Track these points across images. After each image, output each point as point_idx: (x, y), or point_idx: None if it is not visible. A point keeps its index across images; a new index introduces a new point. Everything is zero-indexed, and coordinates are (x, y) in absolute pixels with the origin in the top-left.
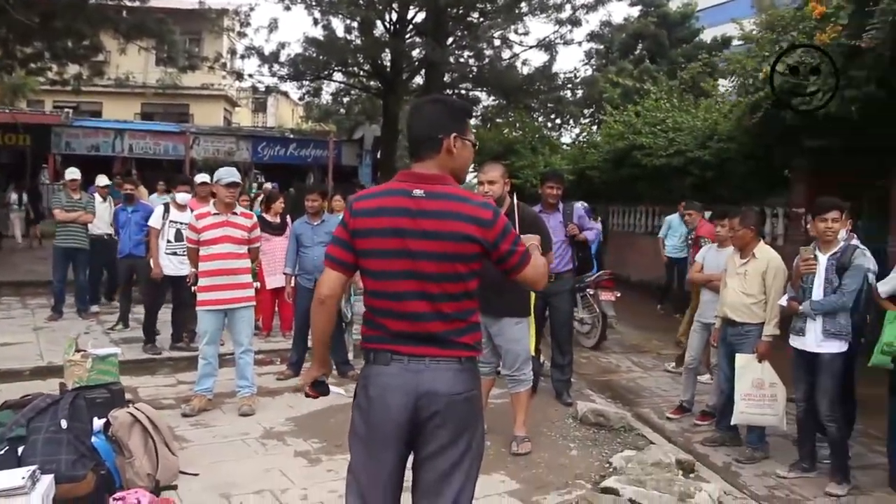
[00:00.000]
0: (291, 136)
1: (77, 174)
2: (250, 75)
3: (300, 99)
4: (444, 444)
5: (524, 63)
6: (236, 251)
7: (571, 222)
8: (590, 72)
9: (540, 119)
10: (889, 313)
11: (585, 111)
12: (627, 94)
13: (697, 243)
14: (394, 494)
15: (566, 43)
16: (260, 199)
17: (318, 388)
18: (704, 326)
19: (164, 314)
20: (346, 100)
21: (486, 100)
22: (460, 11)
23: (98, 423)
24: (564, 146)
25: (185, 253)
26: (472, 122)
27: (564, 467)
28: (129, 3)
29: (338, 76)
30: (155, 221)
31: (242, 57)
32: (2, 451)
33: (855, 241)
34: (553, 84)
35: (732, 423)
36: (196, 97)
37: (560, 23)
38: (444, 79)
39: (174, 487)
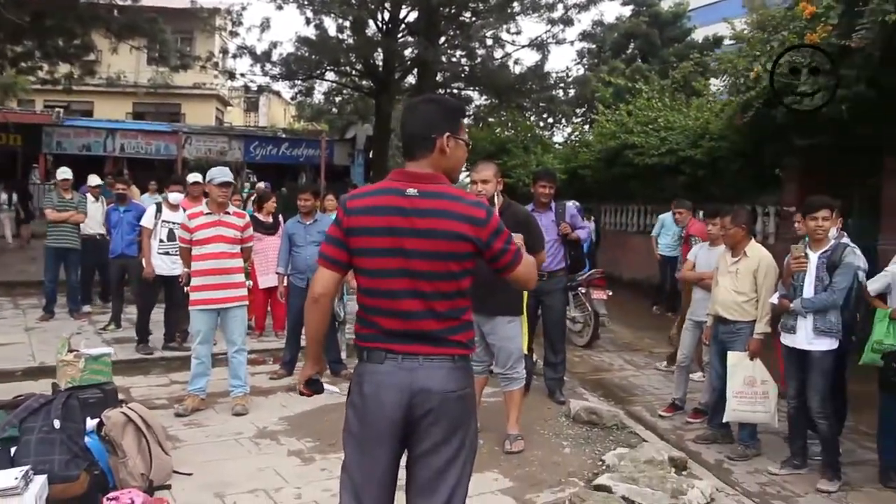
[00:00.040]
0: (283, 135)
1: (69, 174)
2: (242, 75)
3: (292, 98)
4: (438, 442)
5: (516, 62)
6: (229, 251)
7: (563, 221)
8: (582, 71)
9: (532, 118)
10: (879, 311)
11: (577, 110)
12: (619, 94)
13: (688, 242)
14: (388, 492)
15: (558, 42)
16: (252, 198)
17: (313, 387)
18: (696, 325)
19: (157, 314)
20: (338, 99)
21: (478, 99)
22: (452, 11)
23: (91, 423)
24: (556, 145)
25: (178, 253)
26: (465, 121)
27: (557, 465)
28: (120, 2)
29: (330, 75)
30: (147, 221)
31: (234, 56)
32: None
33: (845, 240)
34: (545, 83)
35: (724, 420)
36: (188, 97)
37: (552, 22)
38: (437, 78)
39: (168, 487)
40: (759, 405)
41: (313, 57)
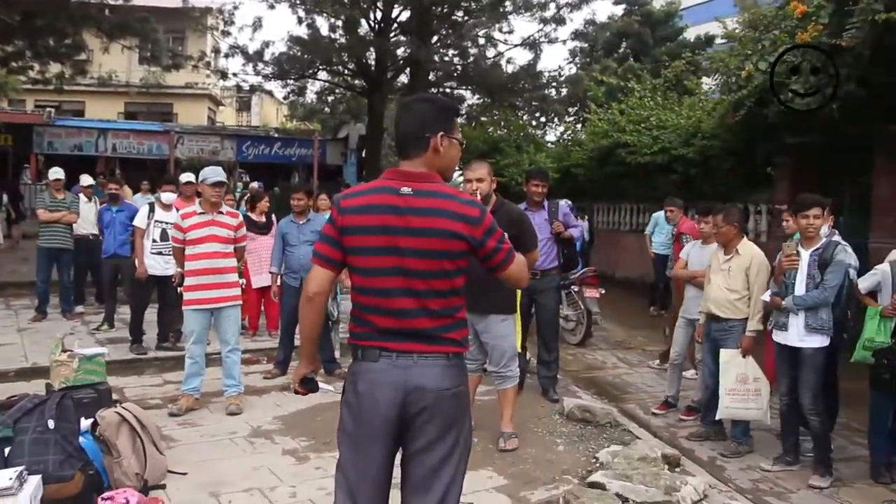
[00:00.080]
0: (276, 135)
1: (61, 174)
2: (234, 74)
3: (285, 98)
4: (433, 440)
5: (509, 62)
6: (222, 250)
7: (556, 220)
8: (574, 70)
9: (525, 117)
10: (870, 309)
11: (570, 109)
12: (612, 93)
13: (679, 240)
14: (383, 490)
15: (550, 41)
16: (246, 198)
17: (307, 385)
18: (689, 322)
19: (150, 314)
20: (330, 99)
21: (470, 98)
22: (445, 10)
23: (85, 423)
24: (549, 144)
25: (171, 252)
26: (458, 120)
27: (551, 463)
28: (111, 2)
29: (322, 75)
30: (140, 221)
31: (226, 56)
32: None
33: (836, 238)
34: (538, 82)
35: (717, 417)
36: (180, 96)
37: (544, 21)
38: (429, 77)
39: (162, 487)
40: (752, 402)
41: (305, 56)
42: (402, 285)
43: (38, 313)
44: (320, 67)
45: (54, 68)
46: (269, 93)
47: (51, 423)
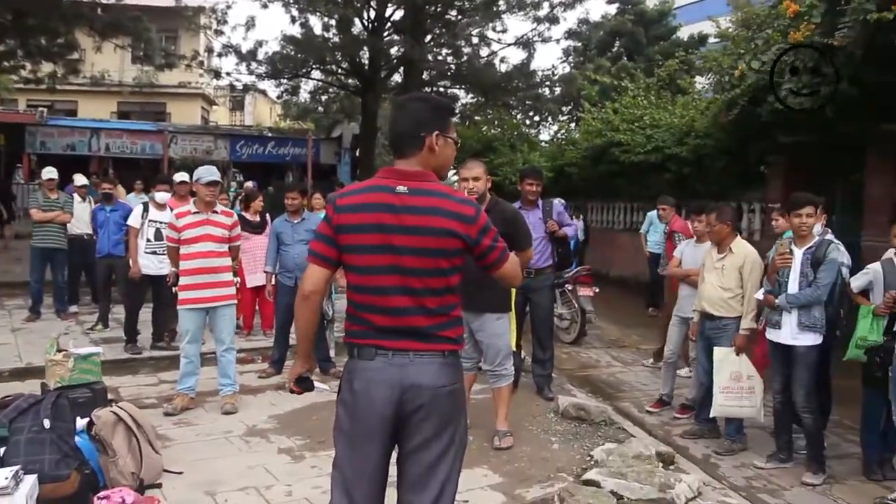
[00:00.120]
0: (270, 134)
1: (54, 173)
2: (228, 73)
3: (278, 97)
4: (429, 437)
5: (502, 61)
6: (217, 250)
7: (551, 219)
8: (568, 69)
9: (518, 116)
10: (862, 308)
11: (564, 108)
12: (605, 92)
13: (671, 238)
14: (379, 488)
15: (544, 41)
16: (240, 197)
17: (303, 385)
18: (683, 321)
19: (145, 314)
20: (324, 98)
21: (464, 97)
22: (438, 9)
23: (81, 422)
24: (543, 143)
25: (165, 252)
26: (453, 119)
27: (546, 461)
28: (104, 1)
29: (316, 74)
30: (134, 221)
31: (220, 55)
32: None
33: (829, 236)
34: (531, 81)
35: (711, 415)
36: (173, 95)
37: (538, 20)
38: (423, 76)
39: (158, 486)
40: (746, 400)
41: (299, 55)
42: (398, 283)
43: (32, 313)
44: (314, 67)
45: (46, 68)
46: (263, 92)
47: (46, 423)
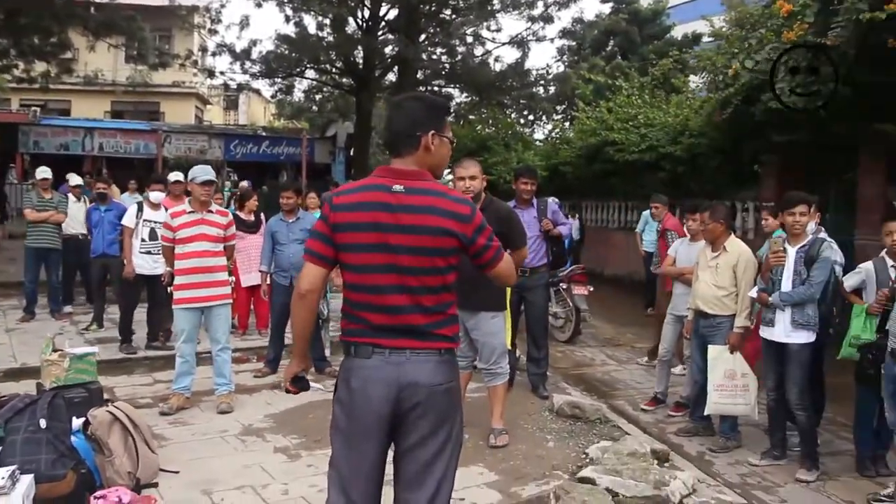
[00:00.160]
0: (264, 133)
1: (48, 173)
2: (222, 73)
3: (272, 96)
4: (426, 435)
5: (497, 60)
6: (212, 249)
7: (545, 217)
8: (562, 68)
9: (513, 115)
10: (855, 307)
11: (558, 107)
12: (599, 91)
13: (664, 236)
14: (376, 486)
15: (538, 40)
16: (235, 197)
17: (298, 384)
18: (677, 319)
19: (140, 313)
20: (318, 97)
21: (458, 96)
22: (433, 8)
23: (77, 422)
24: (537, 142)
25: (160, 252)
26: (449, 119)
27: (542, 458)
28: (97, 0)
29: (310, 73)
30: (128, 220)
31: (214, 54)
32: None
33: (823, 234)
34: (525, 81)
35: (706, 413)
36: (167, 95)
37: (532, 20)
38: (417, 76)
39: (155, 485)
40: (740, 398)
41: (293, 55)
42: (394, 282)
43: (27, 313)
44: (308, 66)
45: (39, 67)
46: (257, 91)
47: (42, 423)
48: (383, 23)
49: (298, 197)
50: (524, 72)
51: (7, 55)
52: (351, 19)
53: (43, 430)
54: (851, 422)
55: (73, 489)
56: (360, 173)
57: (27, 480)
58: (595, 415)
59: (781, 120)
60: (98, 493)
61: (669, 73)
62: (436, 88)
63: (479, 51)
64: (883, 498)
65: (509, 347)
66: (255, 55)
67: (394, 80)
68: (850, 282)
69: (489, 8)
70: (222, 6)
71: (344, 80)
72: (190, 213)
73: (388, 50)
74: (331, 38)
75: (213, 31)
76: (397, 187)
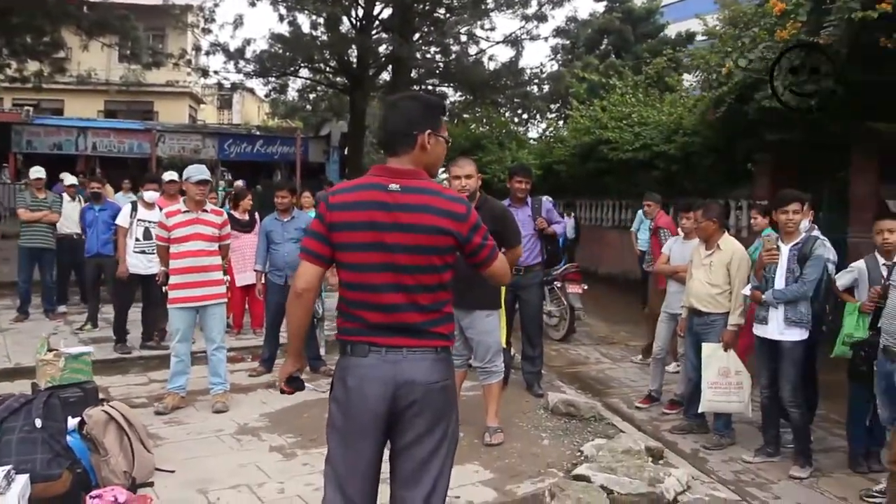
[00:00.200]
0: (258, 133)
1: (42, 173)
2: (216, 72)
3: (266, 96)
4: (422, 433)
5: (491, 59)
6: (207, 248)
7: (540, 216)
8: (556, 67)
9: (507, 114)
10: (848, 305)
11: (552, 106)
12: (593, 89)
13: (657, 234)
14: (372, 484)
15: (532, 38)
16: (229, 196)
17: (293, 384)
18: (671, 317)
19: (134, 313)
20: (312, 96)
21: (452, 95)
22: (426, 7)
23: (72, 421)
24: (531, 141)
25: (154, 251)
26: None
27: (537, 456)
28: None
29: (304, 72)
30: (123, 220)
31: (207, 53)
32: None
33: (816, 232)
34: (519, 79)
35: (700, 410)
36: (160, 94)
37: (526, 18)
38: (411, 75)
39: (150, 485)
40: (734, 395)
41: (287, 54)
42: (391, 281)
43: (21, 313)
44: (302, 65)
45: (32, 66)
46: (251, 90)
47: (38, 423)
48: (377, 22)
49: (293, 196)
50: (518, 70)
51: (0, 54)
52: (345, 18)
53: (38, 429)
54: (844, 419)
55: (68, 489)
56: (355, 172)
57: (23, 480)
58: (590, 413)
59: (775, 119)
60: (94, 493)
61: (663, 71)
62: (430, 87)
63: (473, 50)
64: (875, 494)
65: (504, 346)
66: (248, 54)
67: (388, 79)
68: (842, 281)
69: (483, 7)
70: (216, 5)
71: (338, 79)
72: (185, 212)
73: (382, 49)
74: (325, 37)
75: (206, 31)
76: (393, 186)
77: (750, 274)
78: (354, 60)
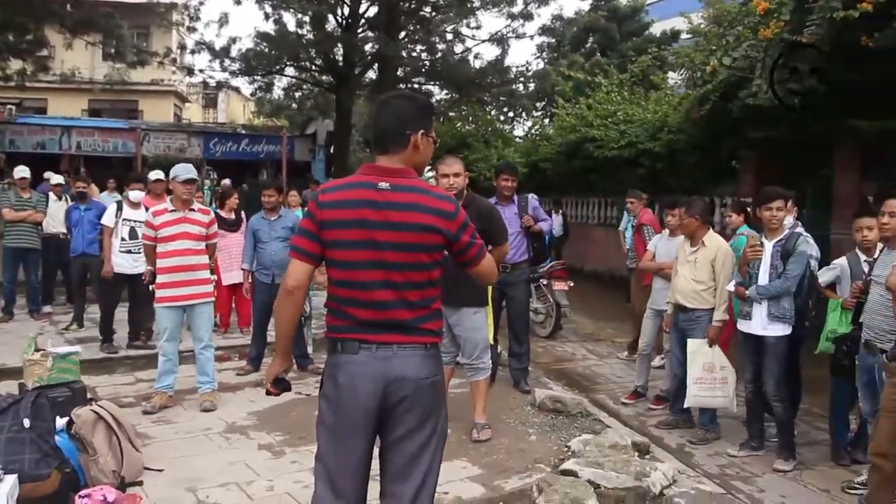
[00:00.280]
0: (243, 131)
1: (26, 172)
2: (201, 70)
3: (252, 94)
4: (412, 428)
5: (476, 57)
6: (194, 247)
7: (526, 214)
8: (542, 65)
9: (493, 112)
10: (831, 302)
11: (538, 104)
12: (579, 87)
13: (640, 231)
14: (362, 480)
15: (518, 37)
16: (215, 195)
17: (280, 385)
18: (657, 313)
19: (121, 313)
20: (298, 95)
21: (438, 94)
22: (412, 6)
23: (61, 421)
24: (517, 139)
25: (140, 251)
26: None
27: (524, 452)
28: None
29: (290, 71)
30: (108, 219)
31: (192, 52)
32: None
33: (799, 229)
34: (505, 78)
35: (685, 406)
36: (145, 93)
37: (512, 17)
38: (397, 73)
39: (139, 483)
40: (719, 390)
41: (272, 52)
42: (381, 278)
43: (5, 314)
44: (287, 63)
45: (15, 65)
46: (236, 89)
47: (26, 422)
48: (363, 20)
49: (280, 195)
50: (504, 69)
51: None
52: (331, 17)
53: (26, 429)
54: (827, 413)
55: (57, 488)
56: (341, 171)
57: (11, 480)
58: (576, 409)
59: (758, 116)
60: (83, 492)
61: (648, 69)
62: (416, 85)
63: (459, 48)
64: (857, 485)
65: (491, 343)
66: (234, 53)
67: (374, 77)
68: (824, 277)
69: (469, 5)
70: (201, 3)
71: (324, 77)
72: (172, 211)
73: (367, 47)
74: (310, 36)
75: (191, 29)
76: (383, 185)
77: (734, 270)
78: (340, 59)
